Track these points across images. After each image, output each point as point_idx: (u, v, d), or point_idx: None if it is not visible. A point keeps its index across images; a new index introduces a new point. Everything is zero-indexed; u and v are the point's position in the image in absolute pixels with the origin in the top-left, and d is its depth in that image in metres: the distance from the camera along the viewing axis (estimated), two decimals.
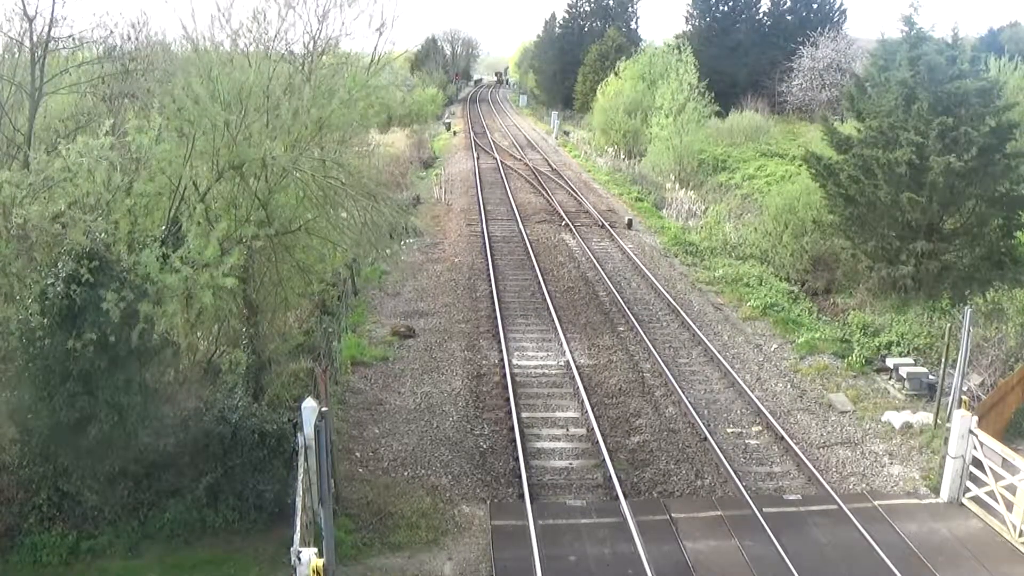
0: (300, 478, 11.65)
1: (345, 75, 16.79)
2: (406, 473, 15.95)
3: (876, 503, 15.01)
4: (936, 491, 15.42)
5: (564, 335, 23.04)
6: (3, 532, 12.62)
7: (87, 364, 12.03)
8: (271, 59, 16.12)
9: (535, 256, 31.80)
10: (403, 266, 28.22)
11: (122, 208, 13.89)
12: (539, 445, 17.14)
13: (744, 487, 15.33)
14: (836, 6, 75.46)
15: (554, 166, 56.02)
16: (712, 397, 19.68)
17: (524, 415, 18.26)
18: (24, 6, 15.49)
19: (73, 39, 16.80)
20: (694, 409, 18.53)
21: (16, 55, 16.51)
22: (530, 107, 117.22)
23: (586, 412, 18.35)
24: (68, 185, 13.55)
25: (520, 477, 15.54)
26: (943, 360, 17.69)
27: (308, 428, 11.45)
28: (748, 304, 26.29)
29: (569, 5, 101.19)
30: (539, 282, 28.29)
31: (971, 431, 14.72)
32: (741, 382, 20.09)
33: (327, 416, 11.58)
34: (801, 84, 65.38)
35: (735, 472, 15.89)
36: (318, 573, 9.73)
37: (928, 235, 24.19)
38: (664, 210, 42.47)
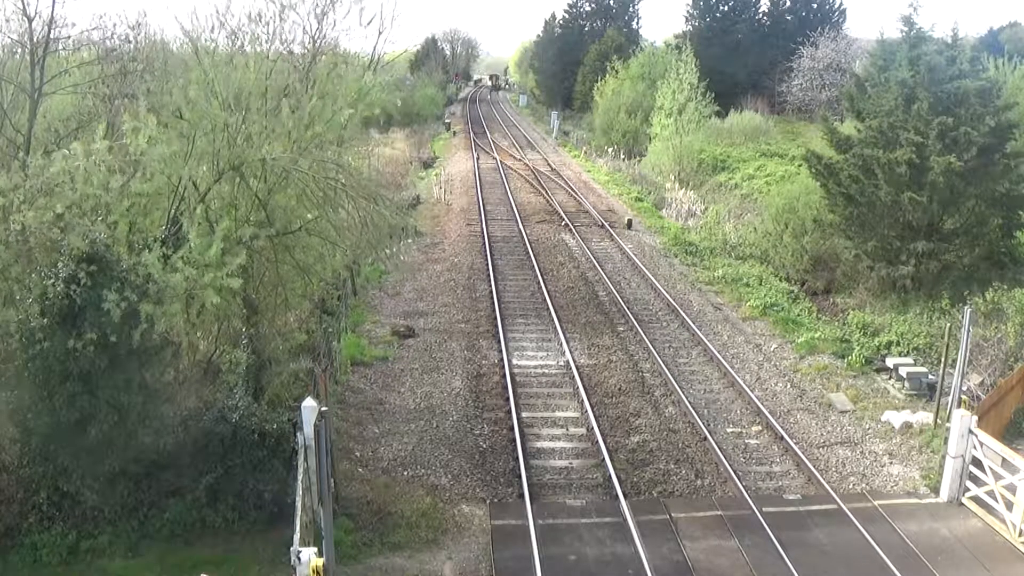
0: (300, 478, 11.65)
1: (346, 78, 16.76)
2: (406, 473, 15.95)
3: (876, 503, 15.02)
4: (936, 491, 15.43)
5: (564, 335, 23.05)
6: (3, 532, 12.61)
7: (87, 364, 12.02)
8: (270, 59, 16.11)
9: (535, 256, 31.81)
10: (403, 266, 28.22)
11: (121, 209, 13.88)
12: (539, 445, 17.15)
13: (744, 487, 15.34)
14: (836, 6, 75.47)
15: (554, 166, 56.04)
16: (712, 397, 19.69)
17: (524, 415, 18.27)
18: (24, 7, 15.49)
19: (72, 40, 16.79)
20: (694, 409, 18.53)
21: (16, 56, 16.51)
22: (530, 107, 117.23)
23: (586, 412, 18.36)
24: (66, 188, 13.54)
25: (520, 477, 15.55)
26: (943, 360, 17.70)
27: (308, 428, 11.45)
28: (748, 304, 26.31)
29: (569, 5, 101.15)
30: (539, 282, 28.30)
31: (971, 431, 14.73)
32: (741, 382, 20.09)
33: (327, 416, 11.58)
34: (801, 84, 65.35)
35: (735, 472, 15.89)
36: (318, 573, 9.74)
37: (928, 235, 24.20)
38: (664, 210, 42.47)
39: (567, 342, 22.54)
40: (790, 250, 29.42)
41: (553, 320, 24.43)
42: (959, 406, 15.48)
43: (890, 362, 20.89)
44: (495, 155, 59.92)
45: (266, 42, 16.23)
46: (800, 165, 35.65)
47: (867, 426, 18.31)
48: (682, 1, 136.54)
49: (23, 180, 13.55)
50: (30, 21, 15.53)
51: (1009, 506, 13.95)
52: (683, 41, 62.08)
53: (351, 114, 15.98)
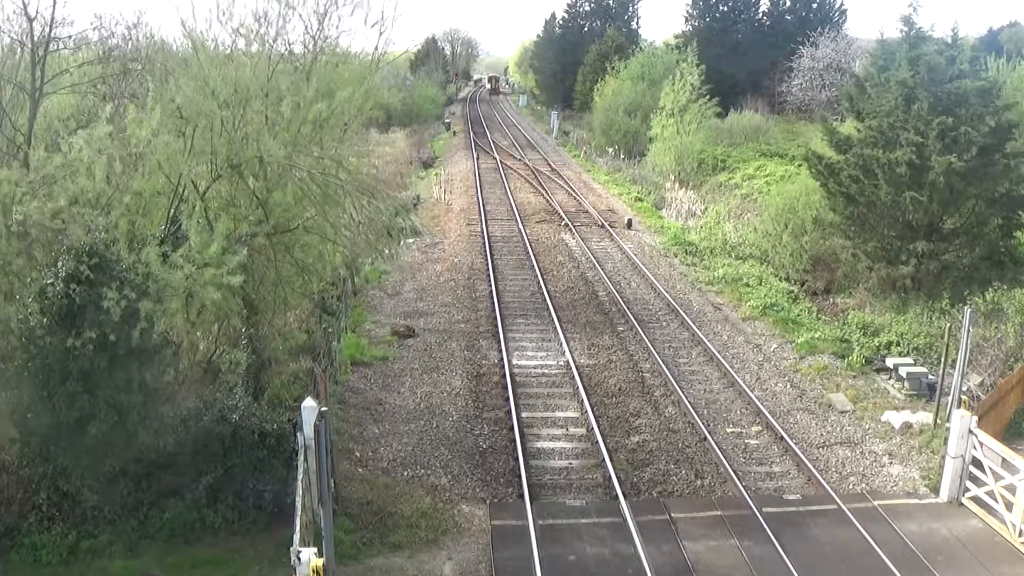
0: (300, 478, 11.65)
1: (344, 73, 16.76)
2: (406, 473, 15.95)
3: (876, 503, 15.02)
4: (936, 491, 15.43)
5: (564, 335, 23.05)
6: (3, 532, 12.62)
7: (87, 363, 12.02)
8: (270, 58, 16.10)
9: (535, 256, 31.81)
10: (403, 266, 28.23)
11: (121, 207, 13.89)
12: (539, 445, 17.15)
13: (744, 487, 15.33)
14: (836, 6, 75.34)
15: (554, 166, 56.03)
16: (712, 397, 19.68)
17: (524, 415, 18.27)
18: (25, 6, 15.50)
19: (73, 39, 16.80)
20: (694, 409, 18.53)
21: (17, 55, 16.51)
22: (530, 107, 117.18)
23: (586, 412, 18.36)
24: (68, 182, 13.54)
25: (520, 477, 15.55)
26: (943, 360, 17.70)
27: (308, 428, 11.45)
28: (748, 304, 26.30)
29: (569, 5, 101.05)
30: (539, 282, 28.30)
31: (971, 431, 14.73)
32: (741, 382, 20.09)
33: (327, 416, 11.57)
34: (801, 84, 65.27)
35: (735, 472, 15.89)
36: (318, 573, 9.74)
37: (928, 235, 24.18)
38: (664, 210, 42.48)
39: (567, 342, 22.54)
40: (790, 250, 29.42)
41: (553, 320, 24.43)
42: (959, 406, 15.47)
43: (890, 362, 20.89)
44: (495, 155, 59.91)
45: (266, 41, 16.22)
46: (800, 165, 35.62)
47: (867, 426, 18.31)
48: (682, 1, 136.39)
49: (25, 176, 13.55)
50: (30, 21, 15.54)
51: (1009, 506, 13.95)
52: (684, 41, 62.00)
53: (354, 115, 15.99)
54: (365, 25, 16.53)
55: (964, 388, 17.03)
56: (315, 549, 10.21)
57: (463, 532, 14.06)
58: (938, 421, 17.44)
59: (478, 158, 58.25)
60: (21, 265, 13.23)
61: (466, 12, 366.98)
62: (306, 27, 17.02)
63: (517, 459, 16.21)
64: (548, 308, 25.58)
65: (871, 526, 14.02)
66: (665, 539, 13.71)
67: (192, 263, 13.48)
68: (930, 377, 19.50)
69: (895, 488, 15.90)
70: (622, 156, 57.19)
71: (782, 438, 17.39)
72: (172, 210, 14.84)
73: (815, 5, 75.25)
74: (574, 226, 37.00)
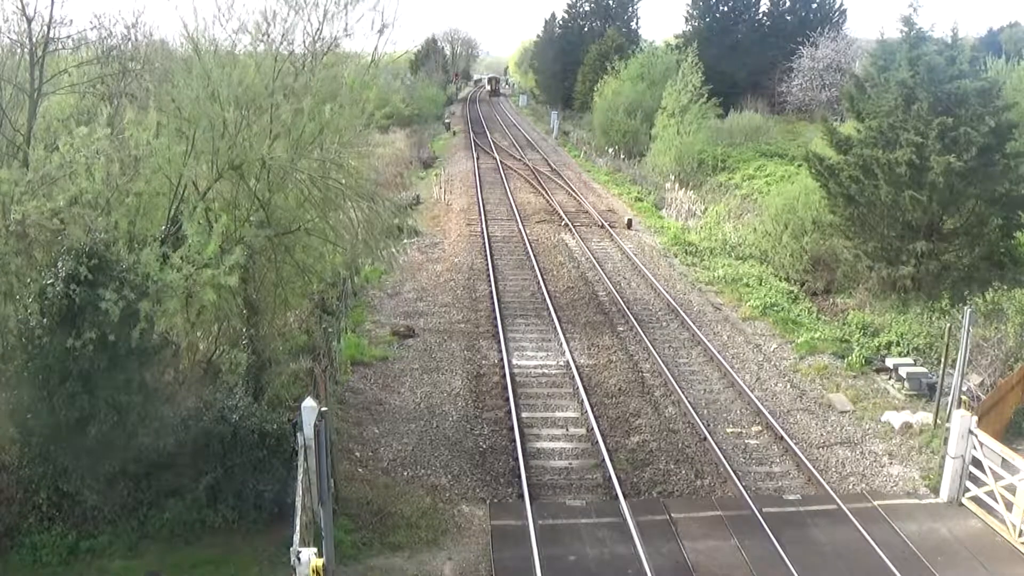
0: (300, 478, 11.66)
1: (347, 76, 16.76)
2: (406, 473, 15.95)
3: (876, 503, 15.02)
4: (936, 491, 15.43)
5: (564, 335, 23.05)
6: (3, 532, 12.62)
7: (87, 364, 12.02)
8: (273, 59, 16.08)
9: (535, 256, 31.81)
10: (403, 266, 28.22)
11: (121, 208, 13.89)
12: (539, 445, 17.15)
13: (744, 487, 15.33)
14: (836, 6, 75.41)
15: (554, 166, 56.02)
16: (712, 397, 19.69)
17: (524, 415, 18.27)
18: (23, 6, 15.48)
19: (72, 39, 16.78)
20: (694, 409, 18.53)
21: (16, 55, 16.49)
22: (530, 107, 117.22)
23: (586, 412, 18.36)
24: (66, 183, 13.53)
25: (520, 477, 15.55)
26: (943, 360, 17.70)
27: (308, 428, 11.46)
28: (748, 304, 26.30)
29: (569, 5, 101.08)
30: (539, 282, 28.30)
31: (971, 431, 14.72)
32: (741, 382, 20.09)
33: (327, 416, 11.58)
34: (801, 84, 65.32)
35: (735, 472, 15.89)
36: (318, 573, 9.74)
37: (928, 235, 24.19)
38: (664, 210, 42.47)
39: (567, 342, 22.54)
40: (790, 250, 29.42)
41: (553, 320, 24.43)
42: (959, 406, 15.48)
43: (890, 362, 20.90)
44: (495, 155, 59.90)
45: (269, 41, 16.20)
46: (800, 165, 35.66)
47: (867, 426, 18.31)
48: (682, 1, 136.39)
49: (23, 175, 13.54)
50: (29, 21, 15.52)
51: (1009, 506, 13.95)
52: (684, 41, 61.97)
53: (355, 115, 15.99)
54: (371, 30, 16.49)
55: (964, 388, 17.04)
56: (315, 549, 10.22)
57: (463, 532, 14.06)
58: (938, 421, 17.45)
59: (478, 158, 58.25)
60: (20, 265, 13.22)
61: (466, 12, 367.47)
62: (307, 28, 17.01)
63: (517, 459, 16.21)
64: (548, 308, 25.58)
65: (871, 526, 14.02)
66: (665, 539, 13.72)
67: (191, 263, 13.47)
68: (930, 377, 19.50)
69: (895, 488, 15.91)
70: (622, 156, 57.20)
71: (782, 438, 17.39)
72: (172, 210, 14.83)
73: (815, 5, 75.32)
74: (574, 226, 37.00)
